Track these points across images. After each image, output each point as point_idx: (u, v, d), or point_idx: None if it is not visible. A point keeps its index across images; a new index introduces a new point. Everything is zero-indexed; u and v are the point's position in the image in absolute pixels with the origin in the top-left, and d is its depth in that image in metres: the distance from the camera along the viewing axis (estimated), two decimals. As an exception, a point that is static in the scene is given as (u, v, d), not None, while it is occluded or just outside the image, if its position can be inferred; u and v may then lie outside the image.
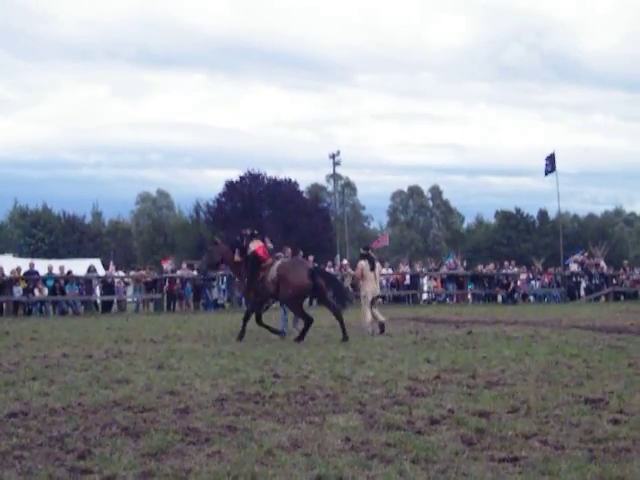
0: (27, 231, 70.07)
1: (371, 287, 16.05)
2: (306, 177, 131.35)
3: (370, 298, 15.94)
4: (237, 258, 14.98)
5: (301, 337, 14.01)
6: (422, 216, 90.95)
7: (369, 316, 15.78)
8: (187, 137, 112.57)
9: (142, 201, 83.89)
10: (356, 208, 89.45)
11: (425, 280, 34.41)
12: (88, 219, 76.60)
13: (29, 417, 6.64)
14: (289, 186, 63.99)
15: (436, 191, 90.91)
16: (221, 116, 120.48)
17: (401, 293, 33.74)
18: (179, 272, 31.26)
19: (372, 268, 16.18)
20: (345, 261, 36.89)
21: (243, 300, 25.38)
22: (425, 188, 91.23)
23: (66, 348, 12.85)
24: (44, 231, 69.44)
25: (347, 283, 21.57)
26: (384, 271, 35.06)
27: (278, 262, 14.70)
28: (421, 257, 55.57)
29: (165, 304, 29.82)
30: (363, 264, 16.23)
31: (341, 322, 14.05)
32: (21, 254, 55.60)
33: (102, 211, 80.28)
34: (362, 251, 17.16)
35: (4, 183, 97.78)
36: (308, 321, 14.19)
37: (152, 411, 6.85)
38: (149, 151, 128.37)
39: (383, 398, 7.44)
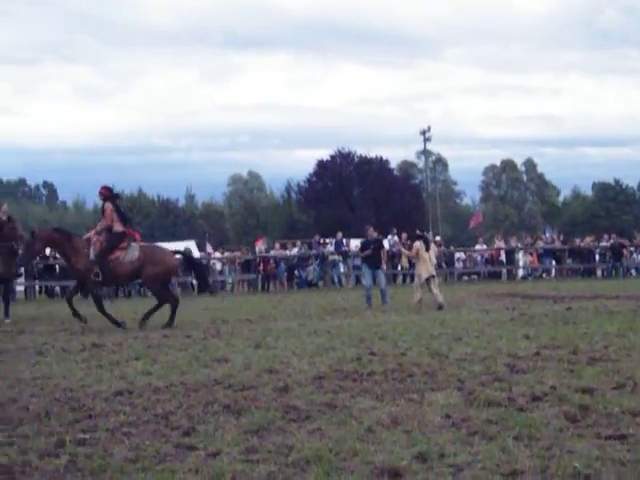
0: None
1: (425, 267, 16.63)
2: (396, 154, 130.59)
3: (424, 278, 16.52)
4: (110, 223, 13.90)
5: (171, 320, 13.72)
6: (516, 190, 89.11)
7: (418, 295, 16.41)
8: (275, 118, 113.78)
9: (234, 183, 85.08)
10: (448, 184, 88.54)
11: (521, 255, 33.81)
12: (182, 202, 78.31)
13: (134, 395, 6.83)
14: (380, 164, 63.77)
15: (530, 164, 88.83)
16: (308, 95, 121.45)
17: (496, 269, 33.28)
18: (272, 252, 31.65)
19: (427, 249, 16.80)
20: (438, 237, 36.60)
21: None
22: (518, 161, 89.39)
23: (166, 329, 13.17)
24: (140, 215, 71.32)
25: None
26: (478, 247, 34.80)
27: (136, 245, 14.24)
28: (516, 232, 54.62)
29: (260, 284, 30.24)
30: (418, 245, 16.89)
31: (173, 310, 13.90)
32: (120, 238, 57.27)
33: (195, 194, 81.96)
34: (418, 232, 18.43)
35: (104, 170, 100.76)
36: (174, 302, 14.02)
37: (252, 389, 6.95)
38: (238, 133, 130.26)
39: (482, 375, 7.33)
